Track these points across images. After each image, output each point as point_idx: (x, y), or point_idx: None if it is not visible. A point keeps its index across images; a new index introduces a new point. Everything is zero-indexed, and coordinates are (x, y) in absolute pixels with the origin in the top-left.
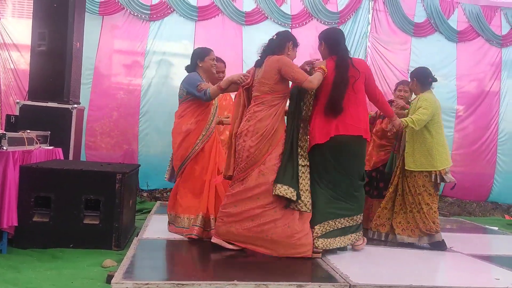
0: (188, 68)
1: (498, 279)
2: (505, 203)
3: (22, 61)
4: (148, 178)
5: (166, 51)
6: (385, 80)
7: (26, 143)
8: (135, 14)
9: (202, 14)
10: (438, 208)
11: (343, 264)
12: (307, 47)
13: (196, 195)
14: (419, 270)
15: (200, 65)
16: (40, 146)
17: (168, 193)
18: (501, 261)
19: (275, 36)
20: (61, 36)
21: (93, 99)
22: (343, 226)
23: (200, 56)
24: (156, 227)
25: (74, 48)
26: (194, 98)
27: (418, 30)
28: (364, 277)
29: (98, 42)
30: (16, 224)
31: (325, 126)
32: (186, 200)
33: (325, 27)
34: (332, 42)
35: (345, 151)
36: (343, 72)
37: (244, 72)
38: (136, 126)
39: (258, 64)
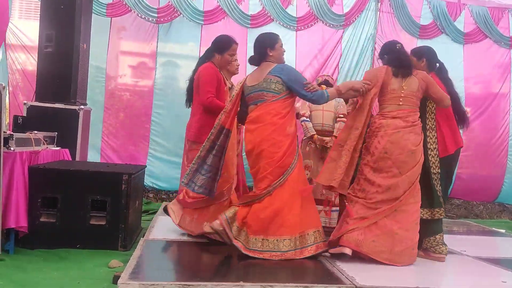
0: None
1: (505, 282)
2: None
3: (29, 62)
4: (154, 179)
5: (173, 53)
6: None
7: (33, 144)
8: (142, 17)
9: (208, 18)
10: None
11: (349, 265)
12: (312, 49)
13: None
14: (425, 273)
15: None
16: (47, 147)
17: (174, 194)
18: (508, 264)
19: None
20: (68, 38)
21: (106, 101)
22: None
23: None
24: (162, 228)
25: (81, 50)
26: (291, 96)
27: (424, 32)
28: (370, 279)
29: (108, 43)
30: (25, 224)
31: (454, 136)
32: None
33: (330, 30)
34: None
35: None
36: (452, 85)
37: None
38: (143, 127)
39: None
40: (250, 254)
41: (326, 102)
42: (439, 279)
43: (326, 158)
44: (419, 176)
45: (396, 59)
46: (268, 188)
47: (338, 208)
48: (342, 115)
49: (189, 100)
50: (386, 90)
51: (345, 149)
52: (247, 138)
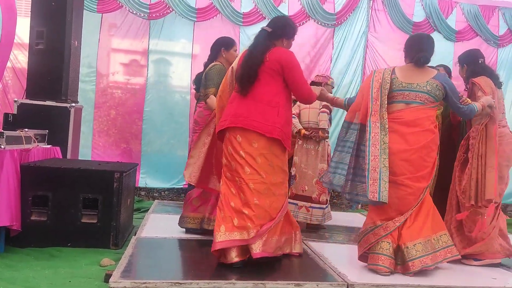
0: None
1: (495, 278)
2: None
3: (20, 59)
4: (146, 177)
5: (165, 50)
6: None
7: (24, 142)
8: (134, 13)
9: (200, 15)
10: None
11: (340, 263)
12: (304, 47)
13: None
14: None
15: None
16: (38, 145)
17: (166, 192)
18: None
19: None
20: (59, 35)
21: (97, 98)
22: None
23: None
24: (154, 226)
25: (72, 47)
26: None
27: (417, 29)
28: (362, 276)
29: (98, 40)
30: (17, 223)
31: None
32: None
33: (322, 28)
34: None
35: None
36: None
37: None
38: (135, 124)
39: None
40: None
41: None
42: (429, 275)
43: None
44: None
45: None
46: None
47: (320, 206)
48: (322, 106)
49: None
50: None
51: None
52: (395, 139)
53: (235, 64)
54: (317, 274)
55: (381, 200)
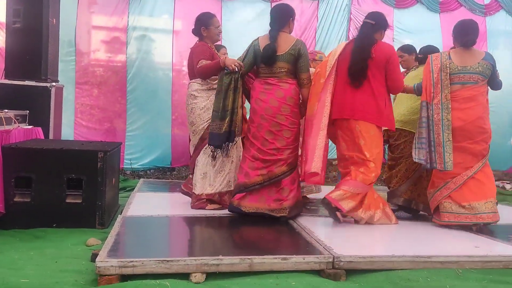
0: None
1: (478, 247)
2: None
3: None
4: (131, 156)
5: (146, 27)
6: None
7: (4, 123)
8: None
9: None
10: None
11: (326, 235)
12: None
13: None
14: (400, 240)
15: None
16: (19, 126)
17: (152, 171)
18: (482, 230)
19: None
20: (36, 13)
21: (77, 77)
22: None
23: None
24: (140, 205)
25: (51, 25)
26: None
27: (400, 1)
28: (348, 248)
29: (76, 18)
30: (1, 205)
31: None
32: None
33: (307, 1)
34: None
35: None
36: None
37: None
38: (118, 103)
39: None
40: None
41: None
42: (413, 245)
43: None
44: None
45: None
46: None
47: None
48: None
49: None
50: None
51: None
52: (456, 115)
53: (336, 52)
54: (303, 248)
55: (446, 169)
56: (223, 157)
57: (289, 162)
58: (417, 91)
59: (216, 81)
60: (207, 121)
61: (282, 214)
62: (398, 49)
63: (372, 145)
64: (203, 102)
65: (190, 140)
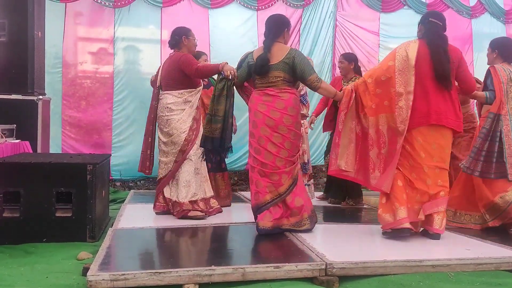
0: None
1: (469, 249)
2: None
3: None
4: (120, 167)
5: (133, 37)
6: None
7: None
8: (99, 1)
9: (167, 0)
10: None
11: (319, 242)
12: None
13: None
14: (392, 245)
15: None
16: (6, 140)
17: (141, 182)
18: (472, 232)
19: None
20: (21, 26)
21: (64, 89)
22: None
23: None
24: (130, 217)
25: (36, 38)
26: None
27: (386, 5)
28: (340, 255)
29: (63, 30)
30: None
31: None
32: None
33: (291, 9)
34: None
35: None
36: None
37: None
38: (106, 114)
39: None
40: None
41: None
42: (404, 250)
43: None
44: None
45: None
46: None
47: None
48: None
49: None
50: None
51: None
52: None
53: (412, 55)
54: (296, 256)
55: None
56: (201, 164)
57: (293, 175)
58: (489, 99)
59: (191, 93)
60: (184, 131)
61: (305, 227)
62: (341, 55)
63: (449, 153)
64: (179, 115)
65: (150, 150)
